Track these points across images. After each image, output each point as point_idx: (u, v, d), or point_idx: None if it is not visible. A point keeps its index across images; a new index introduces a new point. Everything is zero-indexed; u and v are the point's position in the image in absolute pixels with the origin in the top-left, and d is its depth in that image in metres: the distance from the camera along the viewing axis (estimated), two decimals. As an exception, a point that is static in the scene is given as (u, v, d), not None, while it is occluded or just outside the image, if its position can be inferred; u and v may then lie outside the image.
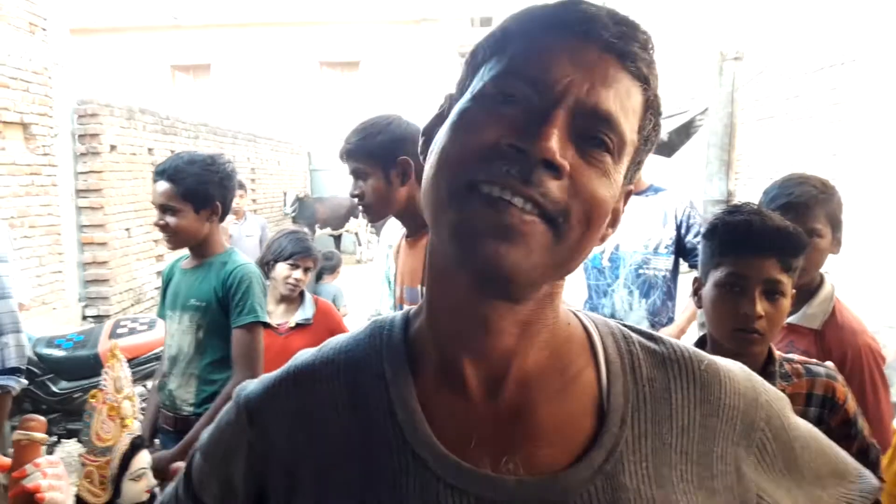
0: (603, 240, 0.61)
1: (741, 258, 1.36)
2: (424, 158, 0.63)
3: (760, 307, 1.32)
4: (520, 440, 0.59)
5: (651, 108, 0.59)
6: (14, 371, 2.20)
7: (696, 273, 2.89)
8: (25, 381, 2.23)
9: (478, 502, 0.57)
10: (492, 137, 0.54)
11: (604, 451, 0.58)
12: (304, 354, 0.69)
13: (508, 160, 0.53)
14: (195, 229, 2.30)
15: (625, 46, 0.56)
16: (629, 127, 0.57)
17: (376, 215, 2.00)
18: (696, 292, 1.49)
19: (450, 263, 0.58)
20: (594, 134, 0.55)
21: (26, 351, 2.29)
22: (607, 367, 0.63)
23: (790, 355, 1.44)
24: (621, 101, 0.56)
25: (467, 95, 0.59)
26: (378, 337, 0.66)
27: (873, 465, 1.42)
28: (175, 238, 2.30)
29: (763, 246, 1.34)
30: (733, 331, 1.35)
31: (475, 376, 0.61)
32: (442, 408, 0.61)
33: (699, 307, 1.49)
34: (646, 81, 0.58)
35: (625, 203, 0.63)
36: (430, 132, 0.64)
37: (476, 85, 0.59)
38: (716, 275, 1.39)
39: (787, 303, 1.36)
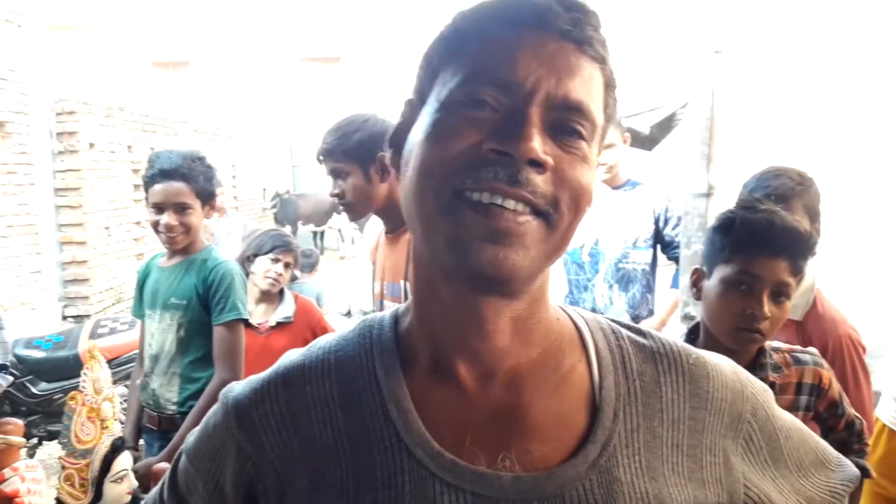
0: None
1: (756, 258, 1.33)
2: (397, 169, 0.63)
3: (767, 309, 1.31)
4: (514, 437, 0.59)
5: (610, 85, 0.60)
6: (1, 368, 2.19)
7: (674, 265, 2.94)
8: (11, 378, 2.21)
9: (474, 499, 0.57)
10: (472, 144, 0.55)
11: (598, 446, 0.59)
12: (292, 355, 0.68)
13: (494, 165, 0.54)
14: (199, 227, 2.33)
15: (581, 32, 0.57)
16: (597, 110, 0.58)
17: (358, 214, 1.99)
18: (696, 284, 1.46)
19: (445, 269, 0.59)
20: (568, 124, 0.56)
21: (10, 348, 2.27)
22: (598, 362, 0.63)
23: (776, 344, 1.44)
24: (587, 86, 0.57)
25: (434, 104, 0.59)
26: (367, 336, 0.66)
27: (859, 435, 1.45)
28: (185, 237, 2.29)
29: (779, 247, 1.32)
30: (736, 329, 1.34)
31: (468, 374, 0.61)
32: (435, 406, 0.61)
33: (697, 299, 1.47)
34: (603, 61, 0.59)
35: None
36: (398, 142, 0.64)
37: (442, 92, 0.58)
38: (725, 270, 1.36)
39: (789, 305, 1.36)
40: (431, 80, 0.61)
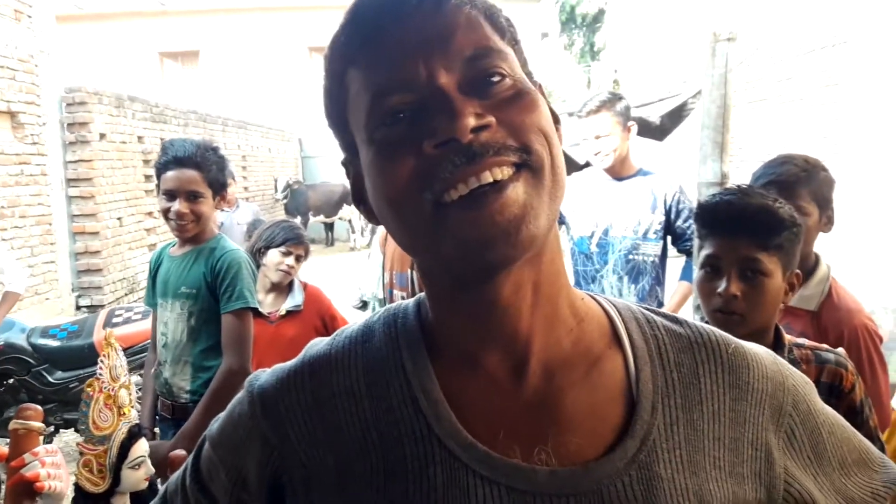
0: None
1: (716, 239, 1.36)
2: (377, 223, 0.63)
3: (735, 287, 1.32)
4: (549, 429, 0.58)
5: (492, 14, 0.58)
6: None
7: (683, 258, 2.92)
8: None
9: (509, 493, 0.55)
10: (416, 154, 0.54)
11: (636, 441, 0.57)
12: (318, 345, 0.68)
13: (446, 158, 0.52)
14: (210, 216, 2.34)
15: None
16: (494, 40, 0.57)
17: None
18: None
19: (462, 273, 0.57)
20: (482, 74, 0.55)
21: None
22: (633, 352, 0.61)
23: (800, 340, 1.43)
24: (470, 30, 0.56)
25: (364, 147, 0.58)
26: (392, 325, 0.65)
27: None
28: (195, 225, 2.30)
29: (734, 225, 1.34)
30: (712, 312, 1.36)
31: (499, 364, 0.60)
32: (465, 396, 0.59)
33: None
34: (469, 2, 0.57)
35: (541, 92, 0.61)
36: (361, 199, 0.64)
37: (361, 133, 0.58)
38: (699, 258, 1.41)
39: (770, 283, 1.34)
40: (346, 127, 0.61)
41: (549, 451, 0.57)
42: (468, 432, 0.58)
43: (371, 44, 0.56)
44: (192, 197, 2.27)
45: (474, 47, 0.55)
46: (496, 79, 0.55)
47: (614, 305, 0.65)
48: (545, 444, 0.57)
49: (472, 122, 0.52)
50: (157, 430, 2.45)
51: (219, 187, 2.34)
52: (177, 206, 2.25)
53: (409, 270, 1.85)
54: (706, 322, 1.43)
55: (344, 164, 0.66)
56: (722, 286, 1.33)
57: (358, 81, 0.57)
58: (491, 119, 0.53)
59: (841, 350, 1.42)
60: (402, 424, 0.59)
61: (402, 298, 1.53)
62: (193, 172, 2.27)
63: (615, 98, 2.88)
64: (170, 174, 2.27)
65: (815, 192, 1.78)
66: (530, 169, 0.54)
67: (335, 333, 0.69)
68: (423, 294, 0.67)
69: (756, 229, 1.33)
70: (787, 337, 1.40)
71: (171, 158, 2.27)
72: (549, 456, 0.57)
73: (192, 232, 2.31)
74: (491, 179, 0.52)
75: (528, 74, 0.60)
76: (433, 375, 0.60)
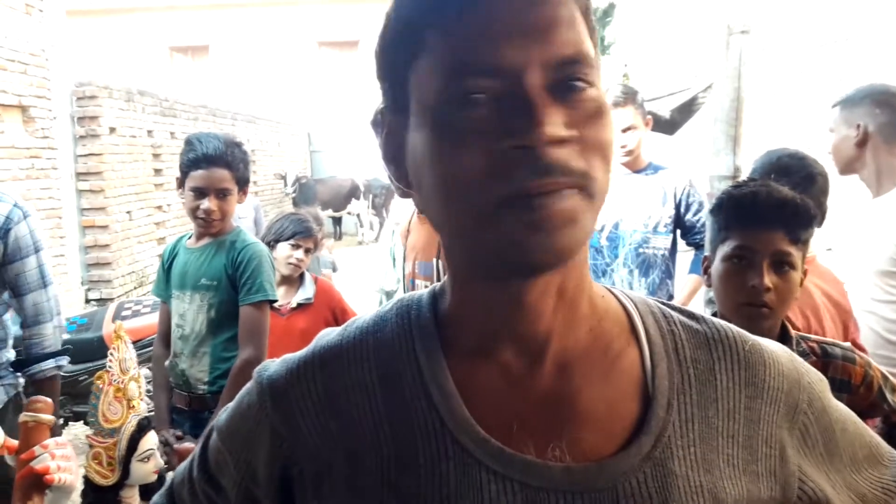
0: None
1: (748, 230, 1.34)
2: (405, 185, 0.60)
3: (769, 279, 1.30)
4: (565, 425, 0.57)
5: (587, 10, 0.56)
6: (66, 351, 2.26)
7: (693, 251, 2.92)
8: (68, 359, 2.29)
9: (522, 489, 0.55)
10: (487, 149, 0.51)
11: (651, 437, 0.56)
12: (329, 335, 0.66)
13: (519, 164, 0.50)
14: (234, 211, 2.37)
15: None
16: (588, 45, 0.54)
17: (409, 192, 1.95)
18: (706, 270, 1.47)
19: (495, 271, 0.56)
20: (571, 80, 0.52)
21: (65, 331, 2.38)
22: (650, 347, 0.60)
23: (806, 334, 1.42)
24: (572, 28, 0.53)
25: (423, 113, 0.54)
26: (406, 316, 0.63)
27: None
28: (222, 222, 2.33)
29: (769, 217, 1.33)
30: (741, 305, 1.34)
31: (515, 358, 0.59)
32: (479, 390, 0.58)
33: (708, 286, 1.48)
34: None
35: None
36: (394, 158, 0.60)
37: (424, 97, 0.54)
38: (723, 249, 1.38)
39: (797, 276, 1.34)
40: (403, 84, 0.56)
41: (563, 447, 0.56)
42: (481, 426, 0.57)
43: (465, 11, 0.51)
44: (222, 194, 2.29)
45: (574, 50, 0.52)
46: (582, 85, 0.52)
47: (632, 300, 0.64)
48: (560, 439, 0.56)
49: (554, 131, 0.49)
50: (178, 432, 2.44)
51: (244, 183, 2.37)
52: (207, 204, 2.26)
53: (434, 259, 1.84)
54: (716, 315, 1.43)
55: (379, 113, 0.61)
56: (755, 279, 1.31)
57: (437, 49, 0.53)
58: (574, 133, 0.51)
59: (847, 343, 1.41)
60: (414, 418, 0.58)
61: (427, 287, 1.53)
62: (224, 171, 2.28)
63: (635, 91, 2.89)
64: (201, 172, 2.27)
65: (812, 192, 1.79)
66: (586, 191, 0.52)
67: (346, 324, 0.67)
68: (437, 285, 0.66)
69: (791, 222, 1.33)
70: (794, 332, 1.39)
71: (202, 156, 2.27)
72: (564, 452, 0.56)
73: (217, 228, 2.33)
74: (550, 191, 0.50)
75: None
76: (446, 368, 0.59)
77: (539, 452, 0.56)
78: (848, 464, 0.66)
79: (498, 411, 0.58)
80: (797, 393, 0.62)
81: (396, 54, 0.56)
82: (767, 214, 1.33)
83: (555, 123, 0.50)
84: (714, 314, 1.47)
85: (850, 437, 0.66)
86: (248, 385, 0.67)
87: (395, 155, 0.60)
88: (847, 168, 2.14)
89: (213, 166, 2.27)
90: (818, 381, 0.65)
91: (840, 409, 0.67)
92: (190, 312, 2.34)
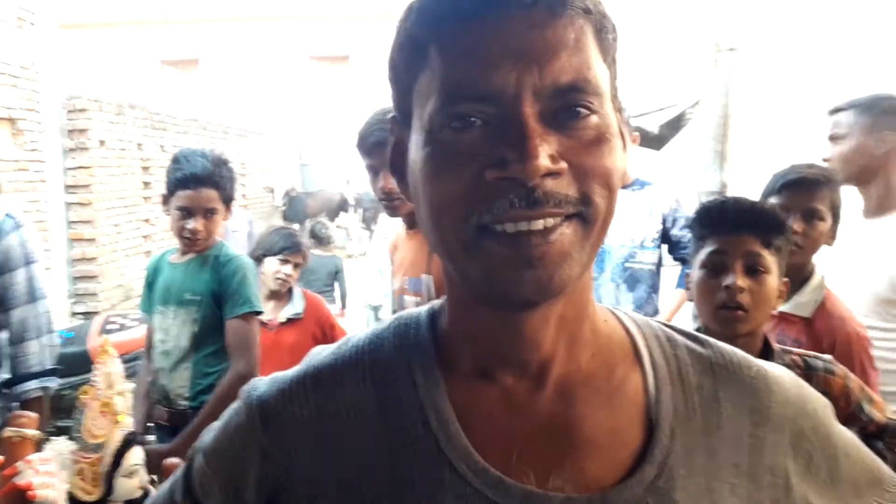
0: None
1: (721, 236, 1.39)
2: (406, 196, 0.59)
3: (742, 281, 1.34)
4: (566, 454, 0.55)
5: (602, 29, 0.53)
6: (53, 371, 2.19)
7: (679, 266, 2.94)
8: (59, 380, 2.22)
9: None
10: (476, 174, 0.50)
11: (655, 466, 0.55)
12: (322, 353, 0.64)
13: (506, 192, 0.49)
14: (219, 229, 2.35)
15: None
16: (596, 69, 0.51)
17: (403, 209, 1.94)
18: (689, 286, 1.51)
19: (483, 297, 0.55)
20: (569, 108, 0.50)
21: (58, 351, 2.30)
22: (654, 372, 0.59)
23: (789, 348, 1.44)
24: (576, 54, 0.50)
25: (421, 132, 0.53)
26: (404, 336, 0.62)
27: (893, 435, 1.41)
28: (208, 241, 2.30)
29: (739, 222, 1.38)
30: (717, 309, 1.36)
31: (515, 384, 0.57)
32: (479, 416, 0.57)
33: (691, 300, 1.51)
34: (586, 10, 0.52)
35: (626, 124, 0.56)
36: (398, 167, 0.60)
37: (423, 117, 0.53)
38: (699, 258, 1.42)
39: (771, 280, 1.36)
40: (407, 96, 0.56)
41: (564, 476, 0.54)
42: (480, 453, 0.55)
43: (466, 30, 0.50)
44: (209, 214, 2.27)
45: (574, 77, 0.50)
46: (583, 112, 0.51)
47: (636, 323, 0.63)
48: (561, 468, 0.55)
49: (545, 165, 0.48)
50: (151, 437, 2.43)
51: (229, 200, 2.35)
52: (193, 224, 2.24)
53: (423, 276, 1.84)
54: (700, 330, 1.44)
55: (392, 122, 0.61)
56: (727, 280, 1.34)
57: (436, 67, 0.52)
58: (563, 166, 0.49)
59: (828, 356, 1.43)
60: (411, 444, 0.56)
61: (416, 304, 1.51)
62: (212, 191, 2.25)
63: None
64: (188, 192, 2.23)
65: (834, 201, 1.82)
66: (582, 220, 0.51)
67: (340, 342, 0.65)
68: (436, 303, 0.64)
69: (760, 226, 1.38)
70: (776, 345, 1.41)
71: (189, 176, 2.23)
72: (565, 483, 0.54)
73: (202, 246, 2.30)
74: (542, 227, 0.49)
75: (615, 100, 0.56)
76: (445, 392, 0.58)
77: (540, 482, 0.54)
78: (849, 489, 0.64)
79: (497, 438, 0.56)
80: (802, 420, 0.61)
81: (403, 65, 0.56)
82: (737, 219, 1.39)
83: (546, 156, 0.48)
84: (698, 329, 1.49)
85: (853, 463, 0.65)
86: (236, 405, 0.65)
87: (400, 167, 0.59)
88: (859, 178, 2.05)
89: (201, 186, 2.24)
90: (823, 407, 0.64)
91: (843, 434, 0.66)
92: (174, 328, 2.31)
